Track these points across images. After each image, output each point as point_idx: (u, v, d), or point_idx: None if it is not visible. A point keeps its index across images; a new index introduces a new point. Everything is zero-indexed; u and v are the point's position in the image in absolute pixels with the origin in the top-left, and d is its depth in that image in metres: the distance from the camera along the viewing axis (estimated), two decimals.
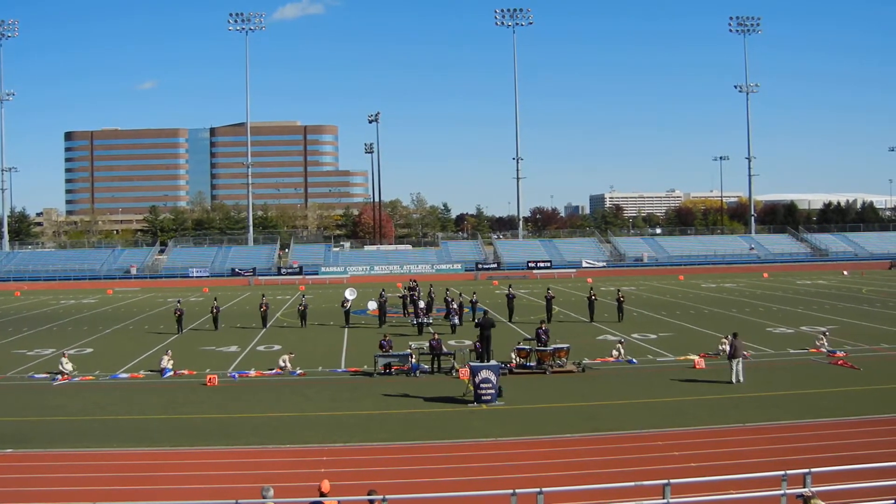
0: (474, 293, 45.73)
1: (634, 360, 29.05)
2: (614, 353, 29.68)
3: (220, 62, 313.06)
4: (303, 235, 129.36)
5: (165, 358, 29.09)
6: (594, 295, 43.42)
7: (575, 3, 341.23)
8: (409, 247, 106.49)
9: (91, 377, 27.75)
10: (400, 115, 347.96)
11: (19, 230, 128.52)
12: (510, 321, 41.85)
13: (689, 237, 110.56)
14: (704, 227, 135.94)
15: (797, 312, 44.01)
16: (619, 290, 45.77)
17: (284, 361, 28.58)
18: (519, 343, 29.26)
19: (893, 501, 10.74)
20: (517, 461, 16.96)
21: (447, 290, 45.71)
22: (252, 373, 28.10)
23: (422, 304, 40.21)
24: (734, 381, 24.54)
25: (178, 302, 44.98)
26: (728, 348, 25.57)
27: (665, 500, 11.93)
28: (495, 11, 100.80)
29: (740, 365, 24.89)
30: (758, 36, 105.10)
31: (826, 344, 30.66)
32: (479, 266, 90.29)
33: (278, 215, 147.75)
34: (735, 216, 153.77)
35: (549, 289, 45.77)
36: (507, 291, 45.88)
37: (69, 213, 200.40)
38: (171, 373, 28.13)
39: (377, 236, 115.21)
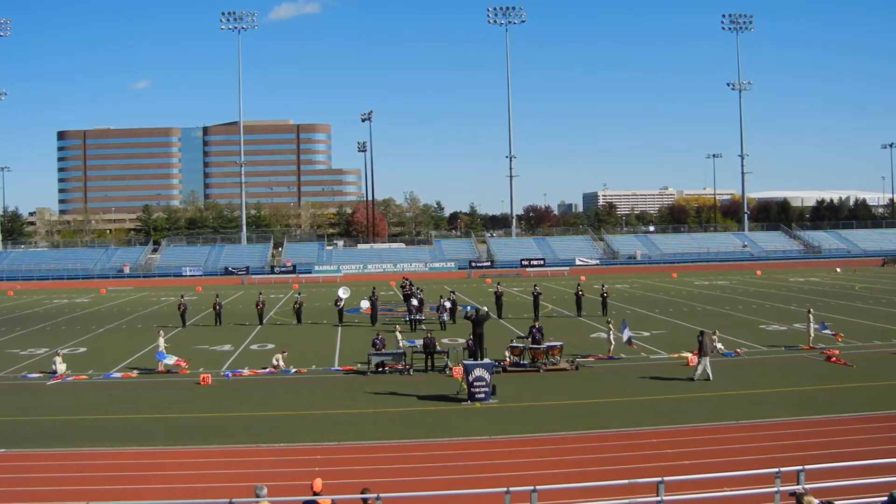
0: (452, 291, 45.56)
1: (631, 335, 29.86)
2: (612, 336, 29.81)
3: (213, 61, 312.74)
4: (296, 234, 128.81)
5: (161, 340, 29.34)
6: (581, 291, 44.38)
7: (568, 1, 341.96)
8: (402, 245, 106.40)
9: (84, 377, 27.68)
10: (393, 114, 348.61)
11: (12, 230, 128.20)
12: (499, 318, 41.90)
13: (683, 235, 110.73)
14: (697, 224, 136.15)
15: (790, 310, 44.09)
16: (603, 286, 46.15)
17: (278, 360, 28.55)
18: (512, 341, 29.28)
19: (886, 498, 10.74)
20: (511, 459, 16.95)
21: (420, 288, 45.57)
22: (245, 371, 28.06)
23: (415, 302, 40.14)
24: (710, 378, 24.59)
25: (182, 297, 45.19)
26: (698, 346, 25.45)
27: (659, 498, 11.93)
28: (488, 10, 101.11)
29: (707, 362, 24.94)
30: (750, 33, 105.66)
31: (812, 320, 31.09)
32: (473, 264, 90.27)
33: (271, 214, 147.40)
34: (728, 214, 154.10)
35: (535, 286, 45.96)
36: (495, 289, 45.93)
37: (62, 212, 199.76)
38: (169, 359, 28.09)
39: (370, 235, 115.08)
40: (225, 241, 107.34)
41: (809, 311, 32.27)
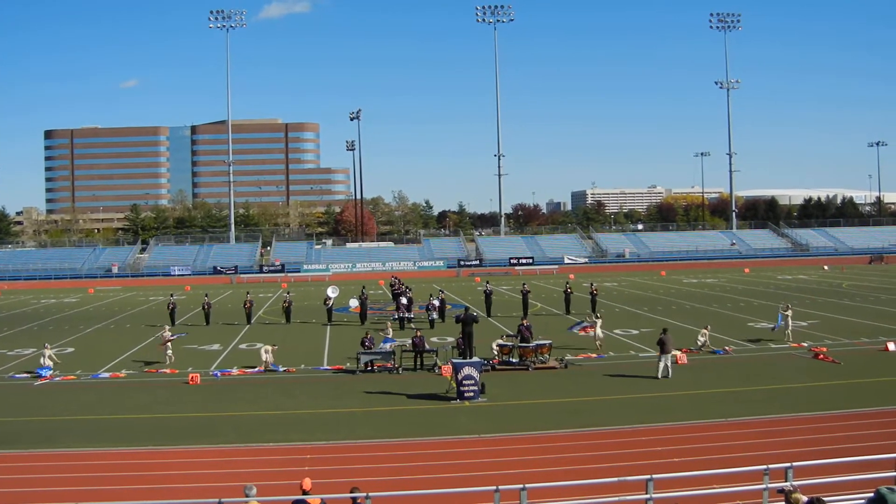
0: (441, 290, 45.46)
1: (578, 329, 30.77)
2: (599, 332, 29.93)
3: (201, 60, 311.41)
4: (285, 233, 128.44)
5: (168, 331, 29.62)
6: (570, 289, 44.80)
7: (556, 0, 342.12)
8: (391, 244, 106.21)
9: (72, 377, 27.53)
10: (382, 113, 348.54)
11: None
12: (488, 316, 41.91)
13: (671, 233, 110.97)
14: (686, 222, 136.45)
15: (778, 307, 44.17)
16: (592, 284, 46.23)
17: (266, 352, 28.43)
18: (501, 338, 29.27)
19: (873, 495, 10.77)
20: (500, 457, 16.95)
21: (408, 287, 45.50)
22: (234, 371, 27.99)
23: (404, 301, 40.08)
24: (660, 376, 24.73)
25: (172, 296, 45.10)
26: (659, 344, 25.51)
27: (648, 495, 11.95)
28: (476, 8, 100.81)
29: (669, 360, 25.05)
30: (738, 31, 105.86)
31: (790, 315, 31.56)
32: (462, 263, 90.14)
33: (260, 213, 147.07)
34: (716, 212, 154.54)
35: (524, 284, 46.06)
36: (484, 288, 45.94)
37: (49, 211, 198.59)
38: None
39: (359, 234, 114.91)
40: (213, 240, 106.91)
41: (787, 308, 32.41)
